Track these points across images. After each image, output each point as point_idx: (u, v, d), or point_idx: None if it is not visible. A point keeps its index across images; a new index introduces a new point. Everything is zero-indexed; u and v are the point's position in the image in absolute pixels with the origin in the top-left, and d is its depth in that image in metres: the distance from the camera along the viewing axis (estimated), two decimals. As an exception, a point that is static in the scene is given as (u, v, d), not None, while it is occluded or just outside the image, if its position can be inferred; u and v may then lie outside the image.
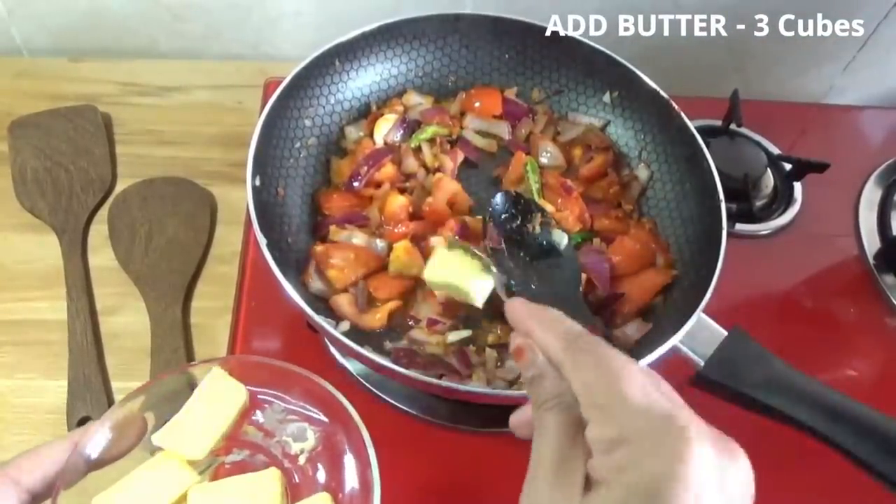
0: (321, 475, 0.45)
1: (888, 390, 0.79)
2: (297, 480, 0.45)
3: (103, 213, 0.84)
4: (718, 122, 0.93)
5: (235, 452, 0.46)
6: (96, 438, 0.41)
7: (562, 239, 0.69)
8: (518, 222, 0.69)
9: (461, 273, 0.63)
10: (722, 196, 0.71)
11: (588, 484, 0.35)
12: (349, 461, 0.44)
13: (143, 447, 0.43)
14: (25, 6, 0.96)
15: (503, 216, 0.69)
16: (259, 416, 0.46)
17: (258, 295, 0.75)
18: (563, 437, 0.37)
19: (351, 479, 0.44)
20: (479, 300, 0.63)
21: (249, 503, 0.40)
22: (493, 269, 0.60)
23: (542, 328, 0.42)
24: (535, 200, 0.72)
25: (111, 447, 0.41)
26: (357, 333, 0.67)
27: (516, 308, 0.44)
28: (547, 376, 0.40)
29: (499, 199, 0.69)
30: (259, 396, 0.46)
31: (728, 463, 0.34)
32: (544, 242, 0.69)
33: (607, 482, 0.34)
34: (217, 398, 0.43)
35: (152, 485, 0.40)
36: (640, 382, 0.36)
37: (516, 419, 0.45)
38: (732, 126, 0.92)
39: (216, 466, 0.45)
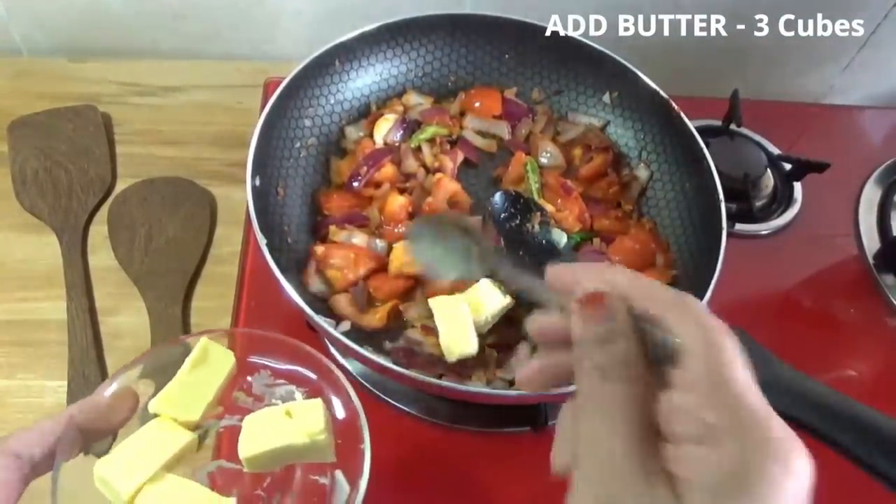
0: None
1: (888, 390, 0.79)
2: None
3: (103, 213, 0.83)
4: (718, 122, 0.93)
5: (227, 418, 0.47)
6: (89, 413, 0.42)
7: (561, 238, 0.70)
8: (517, 221, 0.69)
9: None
10: (722, 196, 0.71)
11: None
12: (337, 411, 0.46)
13: (139, 418, 0.44)
14: (25, 6, 0.96)
15: (502, 215, 0.69)
16: (250, 382, 0.48)
17: (258, 295, 0.75)
18: (639, 417, 0.30)
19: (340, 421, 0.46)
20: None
21: (298, 428, 0.42)
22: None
23: (632, 277, 0.35)
24: (534, 200, 0.72)
25: (104, 421, 0.43)
26: (357, 333, 0.67)
27: (585, 262, 0.38)
28: (623, 336, 0.32)
29: (498, 198, 0.70)
30: (249, 363, 0.48)
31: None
32: (543, 242, 0.69)
33: (689, 482, 0.29)
34: (206, 365, 0.45)
35: (150, 445, 0.41)
36: (745, 372, 0.31)
37: (529, 372, 0.38)
38: (732, 126, 0.92)
39: (217, 430, 0.48)
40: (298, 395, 0.48)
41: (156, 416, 0.43)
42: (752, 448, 0.29)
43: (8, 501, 0.39)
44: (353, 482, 0.44)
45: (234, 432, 0.45)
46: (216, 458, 0.50)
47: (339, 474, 0.46)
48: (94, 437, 0.43)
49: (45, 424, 0.41)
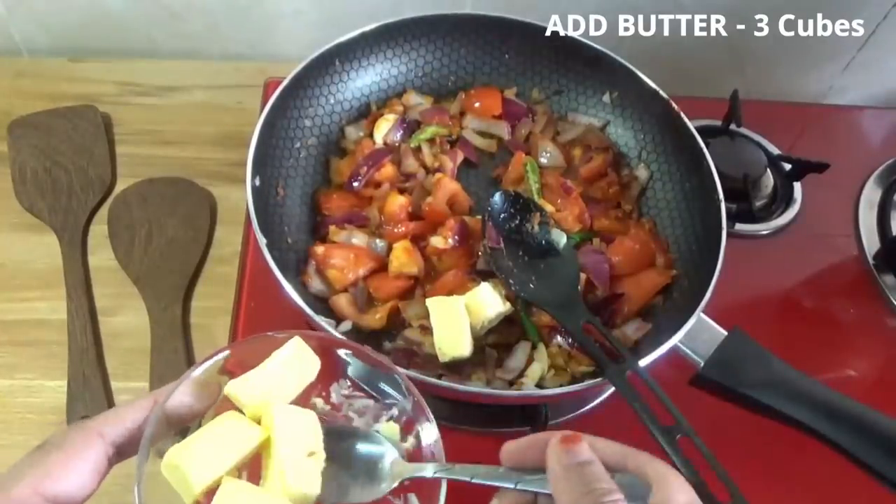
0: None
1: (888, 390, 0.79)
2: None
3: (103, 213, 0.83)
4: (718, 122, 0.93)
5: None
6: (176, 396, 0.42)
7: (560, 238, 0.70)
8: (517, 222, 0.69)
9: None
10: (722, 196, 0.71)
11: None
12: (423, 436, 0.46)
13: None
14: (25, 6, 0.96)
15: (502, 216, 0.69)
16: (329, 390, 0.47)
17: (258, 295, 0.75)
18: None
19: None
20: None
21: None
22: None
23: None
24: (533, 200, 0.72)
25: (189, 406, 0.42)
26: (357, 333, 0.67)
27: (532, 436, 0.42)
28: (595, 463, 0.38)
29: (497, 198, 0.70)
30: (331, 370, 0.47)
31: None
32: (543, 242, 0.69)
33: None
34: (292, 364, 0.44)
35: (225, 439, 0.40)
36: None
37: (513, 452, 0.42)
38: (732, 126, 0.92)
39: None
40: (374, 409, 0.47)
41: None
42: None
43: (94, 482, 0.39)
44: None
45: None
46: None
47: (412, 498, 0.45)
48: (176, 424, 0.42)
49: (129, 408, 0.41)
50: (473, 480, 0.41)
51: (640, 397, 0.53)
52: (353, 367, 0.48)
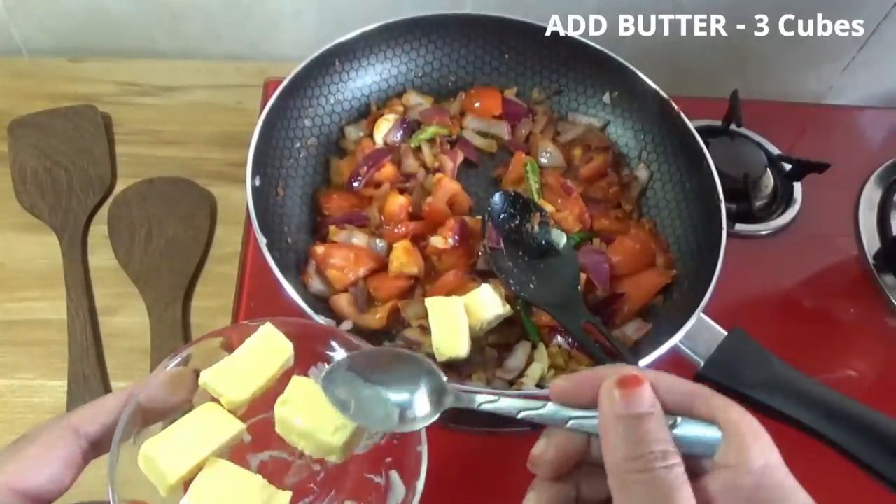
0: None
1: (888, 390, 0.79)
2: None
3: (103, 213, 0.83)
4: (718, 122, 0.93)
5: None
6: (150, 390, 0.42)
7: (560, 238, 0.70)
8: (517, 222, 0.69)
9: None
10: (722, 196, 0.71)
11: None
12: None
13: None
14: (25, 6, 0.96)
15: (502, 216, 0.69)
16: (307, 375, 0.47)
17: (258, 295, 0.75)
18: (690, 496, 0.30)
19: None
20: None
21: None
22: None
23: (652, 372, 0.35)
24: (533, 200, 0.72)
25: (164, 399, 0.42)
26: (357, 333, 0.66)
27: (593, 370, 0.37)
28: (658, 417, 0.32)
29: (497, 198, 0.70)
30: (308, 355, 0.47)
31: None
32: (543, 242, 0.69)
33: None
34: (264, 350, 0.44)
35: (199, 430, 0.40)
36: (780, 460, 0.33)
37: (545, 453, 0.37)
38: (732, 126, 0.92)
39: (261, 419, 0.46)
40: None
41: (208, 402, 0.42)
42: None
43: (67, 476, 0.38)
44: (408, 484, 0.43)
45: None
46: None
47: (394, 475, 0.45)
48: (153, 418, 0.42)
49: (107, 402, 0.41)
50: (520, 416, 0.37)
51: None
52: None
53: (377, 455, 0.46)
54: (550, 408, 0.37)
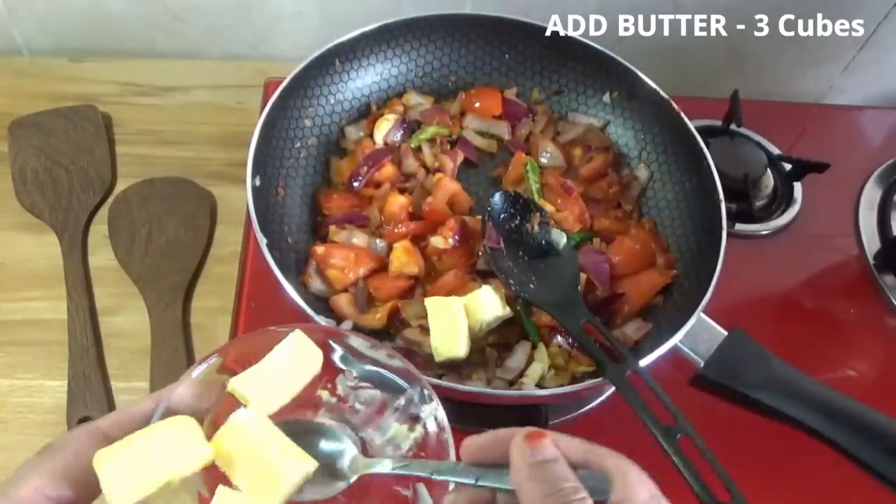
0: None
1: (888, 390, 0.79)
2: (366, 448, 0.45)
3: (103, 213, 0.83)
4: (718, 122, 0.93)
5: (309, 415, 0.46)
6: (178, 397, 0.41)
7: (560, 238, 0.70)
8: (517, 222, 0.69)
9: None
10: (722, 196, 0.71)
11: None
12: (428, 423, 0.45)
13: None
14: (25, 6, 0.96)
15: (502, 216, 0.69)
16: (335, 382, 0.47)
17: (258, 295, 0.75)
18: None
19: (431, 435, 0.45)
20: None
21: None
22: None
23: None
24: (533, 200, 0.72)
25: (192, 406, 0.41)
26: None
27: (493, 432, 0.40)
28: (560, 460, 0.37)
29: (497, 198, 0.70)
30: (336, 362, 0.47)
31: None
32: (543, 242, 0.69)
33: None
34: (294, 357, 0.44)
35: (159, 453, 0.38)
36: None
37: (475, 447, 0.40)
38: (732, 126, 0.92)
39: None
40: (381, 399, 0.47)
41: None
42: None
43: (98, 484, 0.38)
44: (435, 496, 0.43)
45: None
46: None
47: (421, 487, 0.44)
48: None
49: (137, 408, 0.41)
50: (433, 477, 0.40)
51: (640, 397, 0.53)
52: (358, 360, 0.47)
53: None
54: (461, 467, 0.40)
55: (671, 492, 0.36)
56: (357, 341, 0.48)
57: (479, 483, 0.39)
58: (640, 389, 0.54)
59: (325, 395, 0.47)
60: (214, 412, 0.42)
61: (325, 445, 0.44)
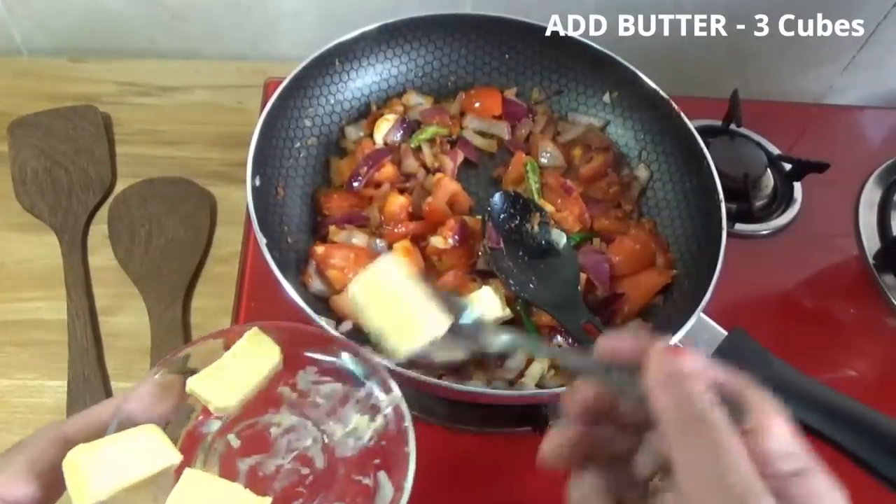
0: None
1: (888, 390, 0.79)
2: (328, 441, 0.46)
3: (103, 213, 0.83)
4: (718, 122, 0.93)
5: (271, 413, 0.46)
6: (136, 400, 0.41)
7: (560, 238, 0.70)
8: (517, 222, 0.69)
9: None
10: (722, 196, 0.71)
11: None
12: (384, 411, 0.46)
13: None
14: (25, 6, 0.96)
15: (502, 216, 0.69)
16: (295, 378, 0.47)
17: (258, 295, 0.75)
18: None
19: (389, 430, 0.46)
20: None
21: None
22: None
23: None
24: (533, 200, 0.72)
25: (150, 409, 0.42)
26: (358, 333, 0.66)
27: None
28: (699, 376, 0.35)
29: (497, 198, 0.70)
30: (296, 358, 0.47)
31: None
32: (543, 242, 0.69)
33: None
34: (252, 355, 0.44)
35: (130, 454, 0.39)
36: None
37: (553, 447, 0.39)
38: (732, 126, 0.92)
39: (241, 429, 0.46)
40: (342, 392, 0.47)
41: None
42: None
43: (58, 486, 0.38)
44: (397, 485, 0.43)
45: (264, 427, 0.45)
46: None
47: (382, 476, 0.45)
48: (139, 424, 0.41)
49: (97, 411, 0.41)
50: (563, 364, 0.40)
51: None
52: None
53: (365, 457, 0.46)
54: (590, 359, 0.39)
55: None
56: (317, 337, 0.48)
57: (609, 379, 0.38)
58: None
59: (286, 391, 0.47)
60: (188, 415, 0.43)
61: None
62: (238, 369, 0.43)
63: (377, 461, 0.45)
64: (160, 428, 0.41)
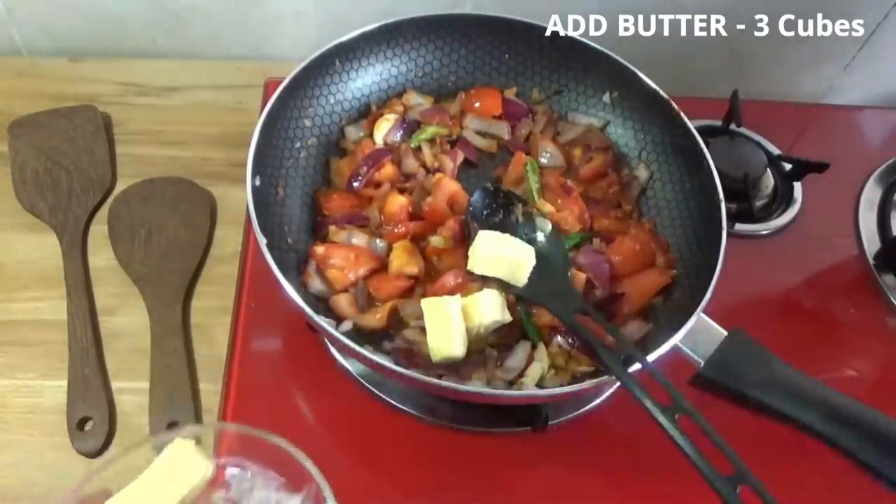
0: None
1: (888, 390, 0.79)
2: None
3: (103, 213, 0.83)
4: (718, 122, 0.93)
5: None
6: None
7: (546, 226, 0.70)
8: (500, 216, 0.70)
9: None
10: (722, 196, 0.71)
11: None
12: None
13: None
14: (25, 6, 0.96)
15: (485, 212, 0.69)
16: (229, 482, 0.47)
17: (258, 295, 0.75)
18: None
19: None
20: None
21: None
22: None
23: None
24: (513, 192, 0.73)
25: None
26: (357, 333, 0.67)
27: None
28: None
29: (477, 196, 0.70)
30: (227, 466, 0.47)
31: None
32: (528, 232, 0.69)
33: None
34: (177, 467, 0.43)
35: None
36: None
37: None
38: (732, 126, 0.92)
39: None
40: (275, 500, 0.47)
41: None
42: None
43: None
44: None
45: None
46: None
47: None
48: None
49: None
50: None
51: (637, 380, 0.53)
52: None
53: None
54: None
55: (677, 480, 0.34)
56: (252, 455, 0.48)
57: None
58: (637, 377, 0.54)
59: (218, 498, 0.47)
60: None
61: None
62: (159, 484, 0.42)
63: None
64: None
